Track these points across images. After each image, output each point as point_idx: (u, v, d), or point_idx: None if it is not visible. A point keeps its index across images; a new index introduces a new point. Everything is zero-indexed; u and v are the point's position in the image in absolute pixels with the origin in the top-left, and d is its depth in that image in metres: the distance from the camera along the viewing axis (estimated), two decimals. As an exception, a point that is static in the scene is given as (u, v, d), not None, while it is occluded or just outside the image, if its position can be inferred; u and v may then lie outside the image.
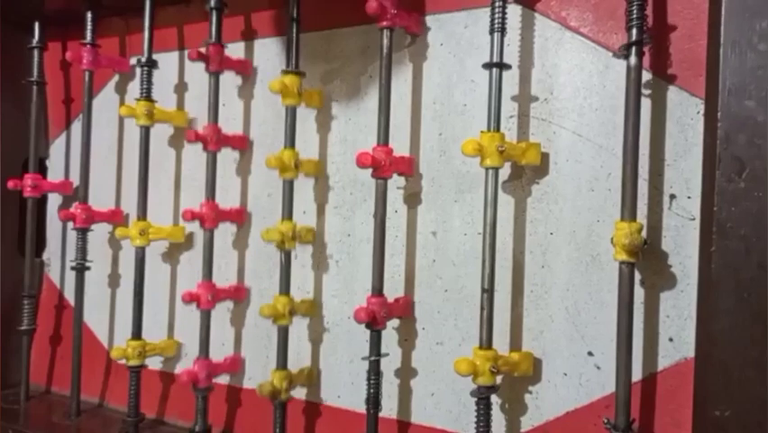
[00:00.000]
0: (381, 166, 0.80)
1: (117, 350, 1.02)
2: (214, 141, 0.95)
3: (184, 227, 1.08)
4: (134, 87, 1.15)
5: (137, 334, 1.02)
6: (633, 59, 0.67)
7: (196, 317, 0.97)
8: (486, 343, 0.74)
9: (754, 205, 0.52)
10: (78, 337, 1.11)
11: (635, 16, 0.66)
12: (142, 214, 1.03)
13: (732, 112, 0.53)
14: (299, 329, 0.96)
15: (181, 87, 1.11)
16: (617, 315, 0.68)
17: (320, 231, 0.96)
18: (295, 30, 0.91)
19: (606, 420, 0.70)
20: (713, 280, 0.54)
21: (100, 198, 1.15)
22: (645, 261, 0.72)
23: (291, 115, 0.90)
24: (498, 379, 0.77)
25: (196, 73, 1.08)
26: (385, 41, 0.82)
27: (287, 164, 0.88)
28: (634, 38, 0.66)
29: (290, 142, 0.90)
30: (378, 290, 0.83)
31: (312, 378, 0.95)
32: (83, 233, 1.09)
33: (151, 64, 1.03)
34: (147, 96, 1.03)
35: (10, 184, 1.13)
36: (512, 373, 0.77)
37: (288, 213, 0.91)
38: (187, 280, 1.08)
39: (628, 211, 0.67)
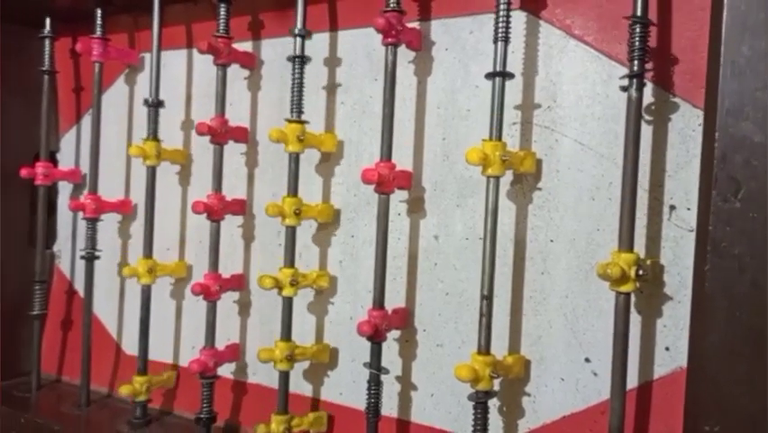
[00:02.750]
0: (385, 182, 0.82)
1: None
2: (222, 133, 0.97)
3: (186, 262, 1.12)
4: (143, 81, 1.17)
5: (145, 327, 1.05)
6: (633, 92, 0.67)
7: (201, 308, 0.99)
8: (485, 348, 0.75)
9: (749, 225, 0.53)
10: (88, 327, 1.13)
11: (636, 47, 0.66)
12: (149, 252, 1.06)
13: (729, 132, 0.53)
14: (302, 318, 0.98)
15: (189, 85, 1.12)
16: (614, 327, 0.69)
17: (325, 229, 0.97)
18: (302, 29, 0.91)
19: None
20: (706, 297, 0.55)
21: (109, 189, 1.17)
22: (645, 276, 0.72)
23: (294, 162, 0.91)
24: (497, 384, 0.78)
25: (203, 70, 1.09)
26: (389, 58, 0.83)
27: (287, 213, 0.89)
28: (635, 70, 0.67)
29: (294, 190, 0.91)
30: (379, 303, 0.84)
31: (322, 354, 0.96)
32: (93, 223, 1.12)
33: (158, 104, 1.05)
34: (154, 135, 1.05)
35: (23, 172, 1.16)
36: (506, 376, 0.79)
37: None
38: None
39: (626, 232, 0.68)
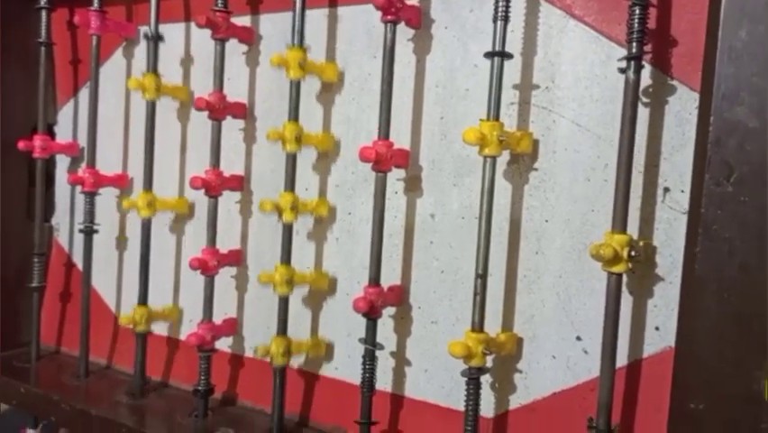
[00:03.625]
0: (383, 160, 0.82)
1: (125, 318, 1.06)
2: (221, 108, 0.97)
3: (187, 199, 1.11)
4: (141, 54, 1.16)
5: (143, 300, 1.06)
6: (631, 74, 0.67)
7: (199, 282, 1.00)
8: (478, 326, 0.76)
9: (740, 209, 0.54)
10: (87, 299, 1.15)
11: (635, 29, 0.66)
12: (149, 185, 1.05)
13: (724, 116, 0.54)
14: (297, 301, 0.99)
15: (187, 60, 1.12)
16: (605, 314, 0.70)
17: (321, 207, 0.97)
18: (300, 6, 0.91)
19: (589, 420, 0.72)
20: (696, 279, 0.56)
21: (107, 163, 1.18)
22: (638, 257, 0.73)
23: (296, 89, 0.90)
24: (489, 361, 0.80)
25: (202, 44, 1.08)
26: (388, 35, 0.83)
27: (288, 138, 0.89)
28: (634, 52, 0.67)
29: (294, 115, 0.91)
30: (375, 280, 0.85)
31: (319, 348, 0.97)
32: (91, 197, 1.12)
33: (158, 37, 1.04)
34: (153, 69, 1.04)
35: (21, 145, 1.16)
36: (499, 353, 0.80)
37: (290, 185, 0.92)
38: (191, 249, 1.11)
39: (620, 213, 0.69)
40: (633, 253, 0.67)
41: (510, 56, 0.76)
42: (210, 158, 0.99)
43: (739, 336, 0.54)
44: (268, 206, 0.89)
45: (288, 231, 0.92)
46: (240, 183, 1.04)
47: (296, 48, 0.89)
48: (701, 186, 0.55)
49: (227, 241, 1.05)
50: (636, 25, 0.65)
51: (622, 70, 0.69)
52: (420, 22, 0.88)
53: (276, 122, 0.99)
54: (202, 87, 1.08)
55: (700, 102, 0.56)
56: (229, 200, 1.05)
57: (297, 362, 0.99)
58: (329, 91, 0.97)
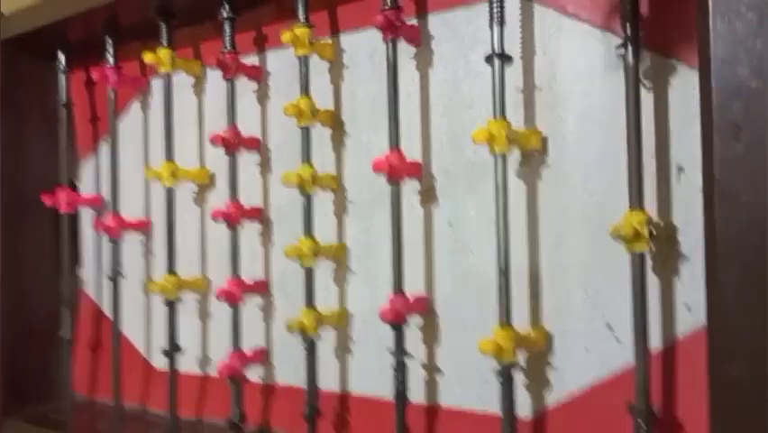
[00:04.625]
0: (396, 171, 0.84)
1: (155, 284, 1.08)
2: (236, 143, 1.00)
3: (208, 169, 1.14)
4: (156, 104, 1.21)
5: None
6: (630, 58, 0.69)
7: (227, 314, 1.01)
8: (506, 322, 0.76)
9: (754, 170, 0.54)
10: (117, 350, 1.16)
11: (628, 12, 0.68)
12: (169, 155, 1.10)
13: (725, 81, 0.55)
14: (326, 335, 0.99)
15: (200, 104, 1.16)
16: (632, 296, 0.70)
17: (340, 232, 0.99)
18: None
19: (630, 405, 0.71)
20: (718, 248, 0.56)
21: (129, 213, 1.21)
22: (658, 235, 0.74)
23: (305, 63, 0.94)
24: (521, 358, 0.79)
25: (214, 89, 1.13)
26: (390, 53, 0.86)
27: (304, 111, 0.92)
28: (629, 34, 0.69)
29: (305, 91, 0.94)
30: (399, 290, 0.86)
31: (343, 319, 0.98)
32: (116, 243, 1.15)
33: (171, 16, 1.10)
34: (169, 44, 1.09)
35: (47, 201, 1.19)
36: (530, 349, 0.79)
37: (307, 159, 0.94)
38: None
39: (635, 193, 0.70)
40: (653, 231, 0.68)
41: (509, 57, 0.78)
42: (229, 192, 1.02)
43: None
44: (292, 251, 0.92)
45: (308, 211, 0.95)
46: (259, 214, 1.06)
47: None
48: (711, 152, 0.55)
49: (251, 271, 1.07)
50: (629, 7, 0.68)
51: (621, 56, 0.71)
52: (420, 39, 0.91)
53: (290, 153, 1.02)
54: (217, 129, 1.11)
55: (700, 69, 0.58)
56: (250, 232, 1.07)
57: (327, 383, 0.99)
58: (338, 120, 1.00)
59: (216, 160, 1.10)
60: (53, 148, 1.25)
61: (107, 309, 1.26)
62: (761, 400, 0.53)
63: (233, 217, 1.00)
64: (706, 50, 0.56)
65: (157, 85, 1.20)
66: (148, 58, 1.08)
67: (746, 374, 0.55)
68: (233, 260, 1.02)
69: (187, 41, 1.16)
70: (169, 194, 1.09)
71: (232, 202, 1.01)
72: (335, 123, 0.99)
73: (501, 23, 0.77)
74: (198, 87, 1.16)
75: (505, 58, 0.77)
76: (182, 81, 1.16)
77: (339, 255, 0.98)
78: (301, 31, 0.93)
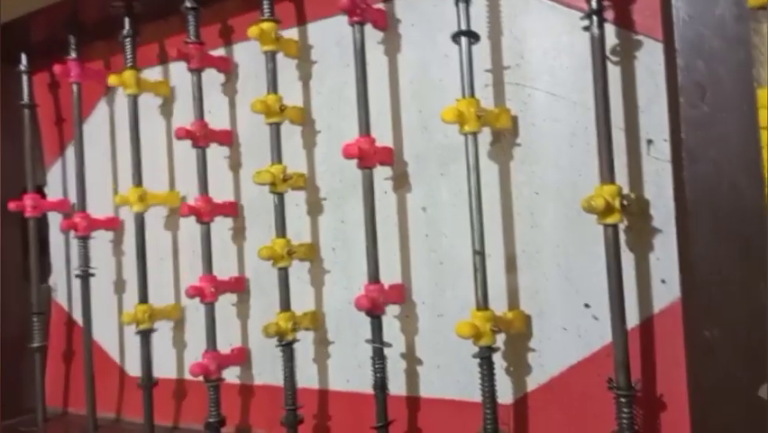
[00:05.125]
0: (367, 156, 0.83)
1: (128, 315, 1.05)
2: (202, 136, 0.98)
3: (179, 193, 1.12)
4: (122, 106, 1.18)
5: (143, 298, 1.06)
6: (595, 30, 0.69)
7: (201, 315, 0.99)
8: (482, 304, 0.75)
9: (720, 127, 0.54)
10: (89, 352, 1.13)
11: None
12: (138, 181, 1.06)
13: (688, 41, 0.55)
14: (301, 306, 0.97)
15: (168, 100, 1.14)
16: (607, 270, 0.69)
17: (314, 226, 0.97)
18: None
19: (609, 380, 0.70)
20: (688, 205, 0.55)
21: (98, 210, 1.18)
22: (630, 208, 0.73)
23: (271, 59, 0.92)
24: (500, 340, 0.78)
25: (181, 84, 1.11)
26: (357, 36, 0.85)
27: (272, 108, 0.90)
28: (593, 7, 0.68)
29: (273, 88, 0.92)
30: (374, 277, 0.84)
31: (317, 321, 0.96)
32: (84, 240, 1.12)
33: (134, 34, 1.07)
34: (132, 65, 1.07)
35: (11, 206, 1.16)
36: (508, 332, 0.78)
37: (277, 156, 0.92)
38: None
39: (606, 166, 0.69)
40: (625, 203, 0.67)
41: (476, 35, 0.78)
42: (198, 186, 1.00)
43: (740, 255, 0.53)
44: (264, 252, 0.90)
45: (280, 209, 0.93)
46: (233, 209, 1.04)
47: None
48: (678, 112, 0.55)
49: (225, 270, 1.04)
50: None
51: (586, 28, 0.70)
52: (387, 23, 0.90)
53: (261, 145, 1.01)
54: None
55: (664, 32, 0.57)
56: (223, 228, 1.05)
57: (307, 380, 0.97)
58: (307, 101, 0.98)
59: (185, 155, 1.08)
60: (18, 153, 1.22)
61: (79, 318, 1.22)
62: (735, 361, 0.53)
63: (203, 213, 0.97)
64: (668, 11, 0.56)
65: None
66: (112, 80, 1.06)
67: (719, 336, 0.54)
68: (206, 256, 0.99)
69: (152, 36, 1.14)
70: (138, 219, 1.06)
71: (201, 196, 0.98)
72: (305, 119, 0.98)
73: (467, 0, 0.77)
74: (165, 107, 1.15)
75: (471, 35, 0.76)
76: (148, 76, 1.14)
77: (311, 255, 0.97)
78: (268, 25, 0.91)
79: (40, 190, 1.27)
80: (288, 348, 0.91)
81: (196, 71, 0.99)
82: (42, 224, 1.28)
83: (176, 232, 1.13)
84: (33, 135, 1.23)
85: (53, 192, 1.30)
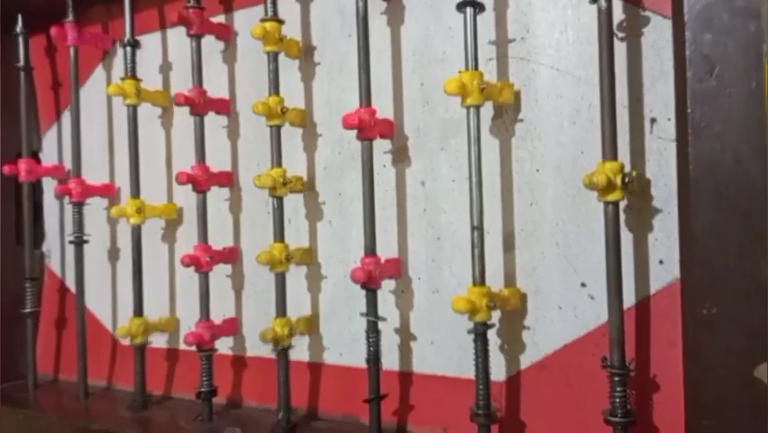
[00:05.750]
0: (367, 127, 0.81)
1: (122, 329, 1.03)
2: (201, 103, 0.96)
3: (176, 204, 1.10)
4: (120, 67, 1.16)
5: (139, 311, 1.04)
6: (602, 3, 0.68)
7: (195, 285, 0.98)
8: (479, 280, 0.75)
9: (726, 101, 0.53)
10: (81, 317, 1.12)
11: None
12: (136, 192, 1.04)
13: (697, 13, 0.54)
14: (298, 282, 0.97)
15: (165, 67, 1.12)
16: (605, 248, 0.69)
17: (311, 191, 0.96)
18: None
19: (603, 359, 0.70)
20: (691, 179, 0.54)
21: (93, 178, 1.17)
22: (632, 186, 0.72)
23: (273, 60, 0.90)
24: (494, 318, 0.78)
25: (179, 50, 1.09)
26: (360, 4, 0.83)
27: (273, 110, 0.88)
28: None
29: (275, 89, 0.90)
30: (371, 250, 0.84)
31: (311, 325, 0.95)
32: (79, 207, 1.11)
33: (135, 44, 1.05)
34: (132, 74, 1.04)
35: (6, 169, 1.15)
36: (503, 309, 0.78)
37: (277, 161, 0.91)
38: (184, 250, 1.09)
39: (609, 143, 0.68)
40: (626, 180, 0.66)
41: (482, 5, 0.76)
42: (195, 154, 0.99)
43: (742, 230, 0.52)
44: (263, 257, 0.88)
45: (279, 214, 0.91)
46: (228, 179, 1.03)
47: (270, 19, 0.90)
48: (684, 86, 0.54)
49: (220, 240, 1.04)
50: None
51: (594, 1, 0.69)
52: (388, -8, 0.89)
53: (259, 119, 0.99)
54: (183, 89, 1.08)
55: (672, 4, 0.56)
56: (218, 198, 1.04)
57: (299, 354, 0.96)
58: (308, 74, 0.97)
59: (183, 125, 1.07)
60: (14, 117, 1.20)
61: (72, 285, 1.21)
62: (734, 339, 0.52)
63: (200, 182, 0.96)
64: (679, -16, 0.54)
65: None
66: (111, 90, 1.03)
67: (718, 313, 0.54)
68: (201, 226, 0.98)
69: (152, 1, 1.12)
70: (136, 231, 1.05)
71: (198, 165, 0.97)
72: (306, 121, 0.96)
73: (472, -32, 0.75)
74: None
75: (477, 5, 0.75)
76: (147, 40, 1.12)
77: (309, 259, 0.96)
78: (271, 25, 0.89)
79: (35, 156, 1.26)
80: (283, 354, 0.91)
81: (196, 37, 0.98)
82: (37, 189, 1.27)
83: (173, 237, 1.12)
84: (29, 100, 1.21)
85: (48, 158, 1.28)
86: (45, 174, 1.23)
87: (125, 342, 1.08)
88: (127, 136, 1.05)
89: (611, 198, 0.67)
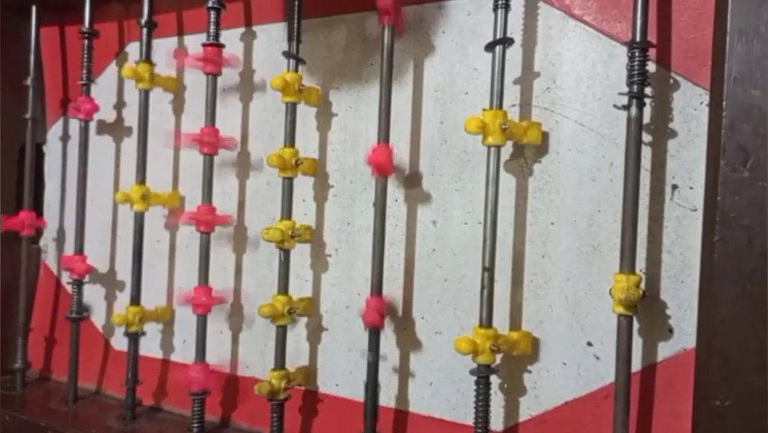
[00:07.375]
0: (386, 165, 0.80)
1: (118, 316, 1.03)
2: (211, 144, 0.95)
3: (179, 192, 1.09)
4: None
5: (136, 300, 1.04)
6: (633, 111, 0.67)
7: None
8: (486, 322, 0.74)
9: (758, 194, 0.52)
10: (76, 329, 1.11)
11: (636, 72, 0.66)
12: (142, 178, 1.03)
13: (737, 101, 0.53)
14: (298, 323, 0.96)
15: (179, 74, 1.10)
16: (617, 347, 0.68)
17: (319, 220, 0.95)
18: (296, 15, 0.90)
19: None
20: (715, 269, 0.54)
21: (98, 184, 1.15)
22: (646, 253, 0.72)
23: (291, 111, 0.89)
24: (498, 360, 0.77)
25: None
26: (386, 37, 0.81)
27: (287, 162, 0.88)
28: (635, 91, 0.66)
29: (290, 140, 0.89)
30: (378, 291, 0.82)
31: (309, 377, 0.95)
32: (79, 285, 1.12)
33: (153, 25, 1.03)
34: (147, 58, 1.03)
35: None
36: (511, 352, 0.77)
37: (287, 211, 0.90)
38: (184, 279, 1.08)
39: (630, 207, 0.67)
40: (645, 293, 0.66)
41: (511, 41, 0.75)
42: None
43: (763, 327, 0.51)
44: (273, 233, 0.87)
45: (285, 267, 0.90)
46: (227, 220, 1.02)
47: (292, 72, 0.89)
48: (717, 173, 0.53)
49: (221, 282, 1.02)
50: (637, 67, 0.66)
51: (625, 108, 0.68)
52: (403, 27, 0.87)
53: (270, 140, 0.98)
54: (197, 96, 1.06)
55: (712, 88, 0.55)
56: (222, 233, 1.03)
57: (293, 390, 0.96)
58: (325, 103, 0.95)
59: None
60: (20, 107, 1.18)
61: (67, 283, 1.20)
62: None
63: (207, 144, 0.94)
64: (720, 69, 0.53)
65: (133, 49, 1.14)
66: (125, 72, 1.01)
67: (731, 407, 0.53)
68: (206, 187, 0.96)
69: (170, 4, 1.09)
70: (138, 219, 1.03)
71: (206, 126, 0.95)
72: (318, 170, 0.95)
73: (506, 6, 0.74)
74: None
75: (507, 42, 0.73)
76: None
77: (310, 311, 0.95)
78: (291, 76, 0.88)
79: (38, 150, 1.24)
80: (281, 331, 0.90)
81: (212, 76, 0.96)
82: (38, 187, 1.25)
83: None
84: (36, 92, 1.18)
85: (52, 152, 1.26)
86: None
87: (116, 344, 1.07)
88: (137, 121, 1.03)
89: (632, 312, 0.66)
